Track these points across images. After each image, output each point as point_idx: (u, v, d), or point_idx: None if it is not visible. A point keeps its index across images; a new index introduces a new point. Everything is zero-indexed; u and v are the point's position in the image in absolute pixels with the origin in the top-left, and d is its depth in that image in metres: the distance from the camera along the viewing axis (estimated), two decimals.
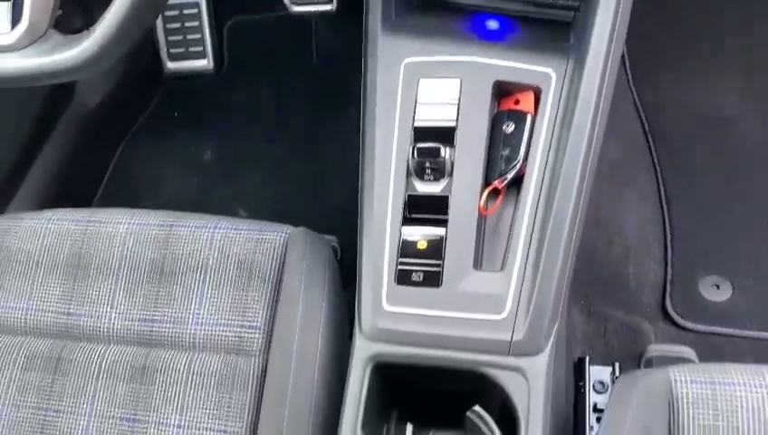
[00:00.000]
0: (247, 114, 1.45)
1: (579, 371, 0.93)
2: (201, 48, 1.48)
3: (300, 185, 1.34)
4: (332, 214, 1.02)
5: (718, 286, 1.15)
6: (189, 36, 1.47)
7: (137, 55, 1.42)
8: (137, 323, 0.81)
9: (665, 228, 1.20)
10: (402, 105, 0.75)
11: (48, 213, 0.90)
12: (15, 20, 0.60)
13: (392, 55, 0.78)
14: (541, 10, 0.82)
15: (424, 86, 0.75)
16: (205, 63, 1.49)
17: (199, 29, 1.47)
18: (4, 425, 0.80)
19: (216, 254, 0.82)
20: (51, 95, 1.28)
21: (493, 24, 0.84)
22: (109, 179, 1.41)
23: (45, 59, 0.60)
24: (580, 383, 0.92)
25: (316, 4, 1.34)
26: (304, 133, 1.40)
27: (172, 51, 1.48)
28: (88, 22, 0.64)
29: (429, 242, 0.70)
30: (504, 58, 0.76)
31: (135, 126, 1.45)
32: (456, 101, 0.74)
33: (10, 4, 0.60)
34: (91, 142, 1.36)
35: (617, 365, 0.94)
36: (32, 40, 0.60)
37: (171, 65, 1.49)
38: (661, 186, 1.23)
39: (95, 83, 1.38)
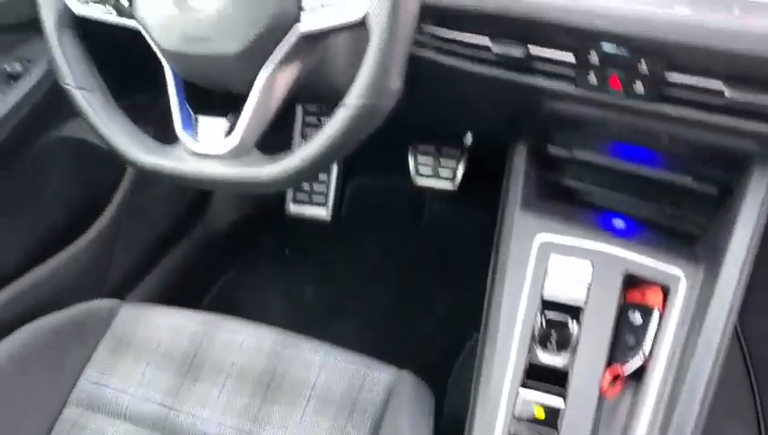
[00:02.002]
0: (352, 266, 1.53)
1: None
2: (323, 199, 1.61)
3: (396, 337, 1.37)
4: (426, 368, 1.03)
5: None
6: (316, 187, 1.61)
7: (268, 194, 1.55)
8: (234, 432, 0.82)
9: None
10: (533, 276, 0.80)
11: (174, 310, 0.96)
12: (228, 134, 0.71)
13: (527, 230, 0.84)
14: (670, 222, 0.88)
15: (555, 261, 0.80)
16: (323, 213, 1.61)
17: (326, 182, 1.61)
18: None
19: (322, 380, 0.84)
20: (185, 213, 1.41)
21: (619, 223, 0.90)
22: (216, 293, 1.48)
23: (246, 170, 0.69)
24: None
25: (440, 178, 1.45)
26: (403, 293, 1.45)
27: (298, 195, 1.61)
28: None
29: (547, 411, 0.71)
30: (634, 252, 0.80)
31: (248, 255, 1.55)
32: (586, 283, 0.78)
33: (226, 120, 0.71)
34: (208, 259, 1.45)
35: None
36: (238, 154, 0.70)
37: (293, 208, 1.62)
38: (760, 414, 1.19)
39: (225, 210, 1.51)
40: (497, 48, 0.80)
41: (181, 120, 0.72)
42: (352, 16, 0.63)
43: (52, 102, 1.01)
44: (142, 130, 0.76)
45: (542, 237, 0.82)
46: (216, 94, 0.74)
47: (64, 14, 0.73)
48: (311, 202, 1.61)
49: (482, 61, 0.83)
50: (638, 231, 0.86)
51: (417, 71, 0.69)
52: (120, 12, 0.72)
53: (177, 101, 0.72)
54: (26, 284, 1.05)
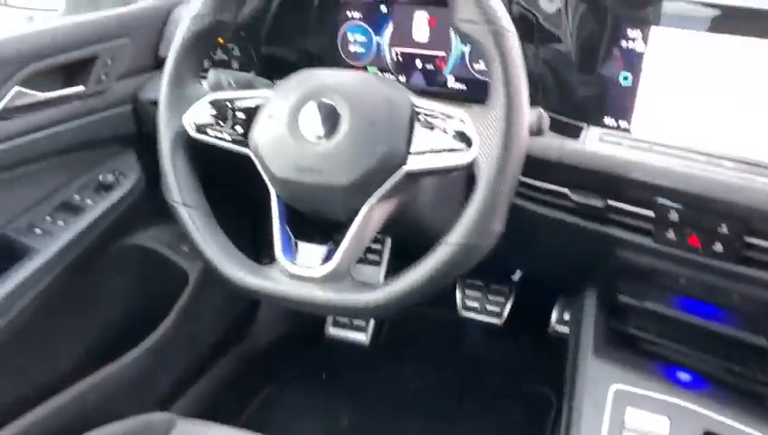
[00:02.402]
0: (389, 394, 1.50)
1: None
2: (364, 323, 1.61)
3: None
4: None
5: None
6: None
7: (309, 315, 1.56)
8: None
9: None
10: (609, 426, 0.79)
11: (228, 429, 0.94)
12: (325, 260, 0.73)
13: (601, 379, 0.84)
14: (737, 381, 0.87)
15: (631, 414, 0.79)
16: (363, 338, 1.60)
17: None
18: None
19: None
20: (230, 329, 1.41)
21: (685, 377, 0.90)
22: (253, 411, 1.45)
23: (343, 296, 0.71)
24: None
25: (486, 313, 1.46)
26: (442, 424, 1.42)
27: (338, 318, 1.61)
28: None
29: None
30: (711, 410, 0.80)
31: (286, 374, 1.53)
32: None
33: (326, 248, 0.74)
34: (248, 375, 1.44)
35: None
36: (334, 279, 0.72)
37: (333, 331, 1.62)
38: None
39: (266, 331, 1.51)
40: (576, 197, 0.85)
41: (281, 244, 0.74)
42: (461, 160, 0.68)
43: (133, 213, 1.05)
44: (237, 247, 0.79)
45: (617, 387, 0.82)
46: (313, 220, 0.77)
47: (180, 137, 0.78)
48: (351, 326, 1.61)
49: (561, 208, 0.87)
50: (708, 387, 0.86)
51: None
52: (235, 139, 0.77)
53: (278, 225, 0.75)
54: (82, 389, 1.04)
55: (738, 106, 0.76)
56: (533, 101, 0.73)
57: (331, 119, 0.71)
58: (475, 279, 1.50)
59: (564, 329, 1.38)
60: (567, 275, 1.03)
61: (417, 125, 0.71)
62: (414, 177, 0.72)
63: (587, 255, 0.91)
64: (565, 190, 0.85)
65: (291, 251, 0.75)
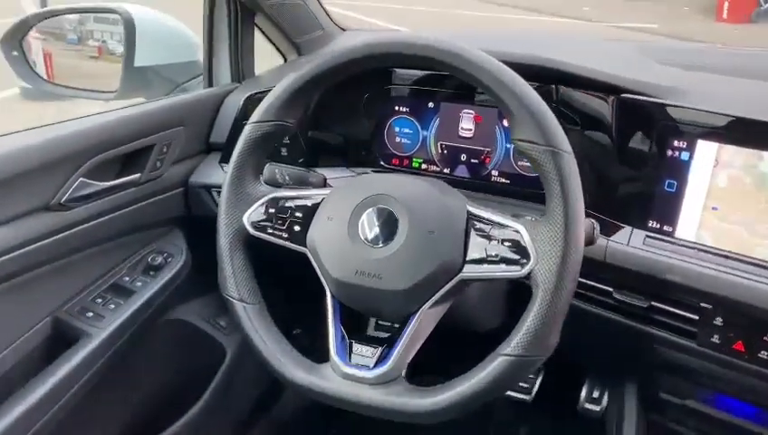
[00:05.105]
0: None
1: None
2: None
3: None
4: None
5: None
6: None
7: None
8: None
9: None
10: None
11: None
12: (378, 362, 0.75)
13: None
14: None
15: None
16: None
17: None
18: None
19: None
20: (259, 403, 1.41)
21: None
22: None
23: (393, 400, 0.73)
24: None
25: (515, 390, 1.46)
26: None
27: None
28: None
29: None
30: None
31: None
32: None
33: (379, 349, 0.76)
34: None
35: None
36: (386, 380, 0.74)
37: None
38: None
39: (292, 401, 1.51)
40: (619, 296, 0.86)
41: (335, 342, 0.76)
42: (518, 272, 0.69)
43: (179, 291, 1.07)
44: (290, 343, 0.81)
45: None
46: (366, 320, 0.79)
47: (240, 234, 0.81)
48: None
49: (603, 305, 0.89)
50: None
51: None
52: (293, 237, 0.80)
53: (332, 324, 0.77)
54: None
55: None
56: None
57: (388, 225, 0.74)
58: None
59: (593, 407, 1.37)
60: (605, 364, 1.04)
61: (472, 232, 0.73)
62: (467, 282, 0.74)
63: (627, 350, 0.92)
64: (609, 289, 0.87)
65: (345, 350, 0.76)
